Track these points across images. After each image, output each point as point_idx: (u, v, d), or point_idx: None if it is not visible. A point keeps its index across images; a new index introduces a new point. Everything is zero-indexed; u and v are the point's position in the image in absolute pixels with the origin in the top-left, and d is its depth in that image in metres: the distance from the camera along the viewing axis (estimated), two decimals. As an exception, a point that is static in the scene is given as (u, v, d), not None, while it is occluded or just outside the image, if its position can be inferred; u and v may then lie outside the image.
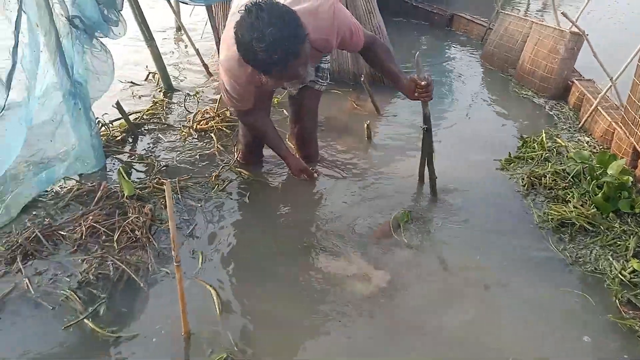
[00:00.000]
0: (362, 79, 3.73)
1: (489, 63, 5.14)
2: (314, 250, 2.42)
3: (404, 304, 2.14)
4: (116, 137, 3.21)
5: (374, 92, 3.85)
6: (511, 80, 4.74)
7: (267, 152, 3.13)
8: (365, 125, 3.42)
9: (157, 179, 2.72)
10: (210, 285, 2.15)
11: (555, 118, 3.98)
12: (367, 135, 3.46)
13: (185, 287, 1.88)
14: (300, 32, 1.98)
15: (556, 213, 2.71)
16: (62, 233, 2.31)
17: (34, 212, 2.48)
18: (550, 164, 3.19)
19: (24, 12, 2.29)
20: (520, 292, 2.21)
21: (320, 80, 2.84)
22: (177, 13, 4.83)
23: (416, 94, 2.50)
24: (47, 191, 2.65)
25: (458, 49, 5.69)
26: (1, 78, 2.08)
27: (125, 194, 2.49)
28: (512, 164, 3.25)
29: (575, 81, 4.18)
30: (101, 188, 2.50)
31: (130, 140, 3.26)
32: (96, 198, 2.48)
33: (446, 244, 2.51)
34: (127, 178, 2.53)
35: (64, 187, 2.69)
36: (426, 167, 2.85)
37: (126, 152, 3.12)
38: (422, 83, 2.44)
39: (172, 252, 1.84)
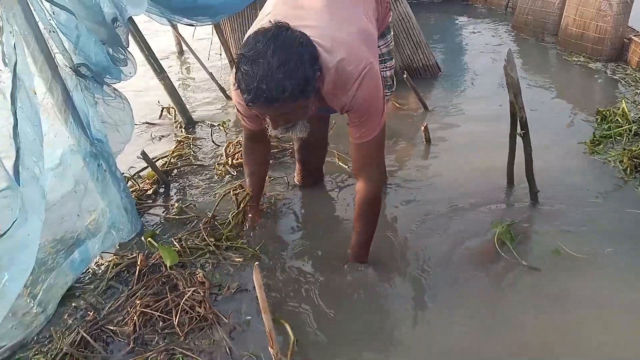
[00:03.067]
0: (405, 75, 3.30)
1: (522, 32, 4.69)
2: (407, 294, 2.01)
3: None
4: (146, 190, 2.79)
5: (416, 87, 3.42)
6: (554, 47, 4.29)
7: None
8: (423, 127, 2.99)
9: (199, 234, 2.33)
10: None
11: (622, 82, 3.53)
12: (425, 138, 3.03)
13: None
14: (296, 86, 1.58)
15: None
16: (111, 328, 1.90)
17: (73, 304, 2.07)
18: (645, 137, 2.76)
19: (18, 79, 1.87)
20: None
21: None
22: (182, 37, 4.42)
23: None
24: (83, 274, 2.25)
25: (481, 23, 5.22)
26: (7, 169, 1.63)
27: (168, 264, 2.08)
28: (599, 145, 2.82)
29: (634, 38, 3.73)
30: (138, 262, 2.09)
31: (162, 190, 2.85)
32: (136, 276, 2.08)
33: (574, 260, 2.08)
34: (157, 245, 2.11)
35: (101, 265, 2.29)
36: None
37: (159, 205, 2.71)
38: None
39: (270, 349, 1.44)
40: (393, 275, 2.13)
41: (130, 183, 2.82)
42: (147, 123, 3.62)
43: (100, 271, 2.25)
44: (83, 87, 2.36)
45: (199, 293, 1.98)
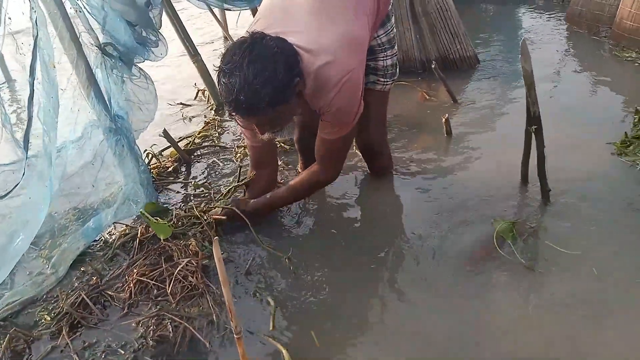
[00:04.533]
0: (433, 65, 3.23)
1: (575, 25, 4.45)
2: (404, 286, 2.00)
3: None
4: (168, 168, 2.92)
5: (447, 79, 3.34)
6: (606, 42, 4.05)
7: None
8: (444, 119, 2.93)
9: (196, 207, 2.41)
10: (285, 347, 1.77)
11: (674, 81, 3.30)
12: (445, 130, 2.97)
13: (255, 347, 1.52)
14: (272, 94, 1.64)
15: None
16: (110, 293, 2.03)
17: (82, 268, 2.22)
18: (682, 141, 2.57)
19: (39, 53, 2.01)
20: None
21: (382, 79, 2.34)
22: (222, 23, 4.53)
23: None
24: (95, 241, 2.40)
25: (536, 14, 5.00)
26: (17, 138, 1.77)
27: (162, 238, 2.18)
28: (630, 147, 2.65)
29: (693, 33, 3.46)
30: (138, 234, 2.20)
31: (184, 169, 2.97)
32: (136, 246, 2.19)
33: (576, 262, 2.00)
34: (153, 219, 2.20)
35: (114, 234, 2.42)
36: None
37: (179, 182, 2.83)
38: None
39: (231, 321, 1.49)
40: (386, 263, 2.13)
41: (154, 159, 2.96)
42: (181, 104, 3.75)
43: (111, 240, 2.39)
44: (108, 65, 2.50)
45: (193, 264, 2.06)
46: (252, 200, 2.28)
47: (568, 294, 1.88)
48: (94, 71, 2.42)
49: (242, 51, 1.64)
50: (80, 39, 2.35)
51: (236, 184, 2.41)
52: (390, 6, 2.18)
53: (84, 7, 2.37)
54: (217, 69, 1.73)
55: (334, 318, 1.90)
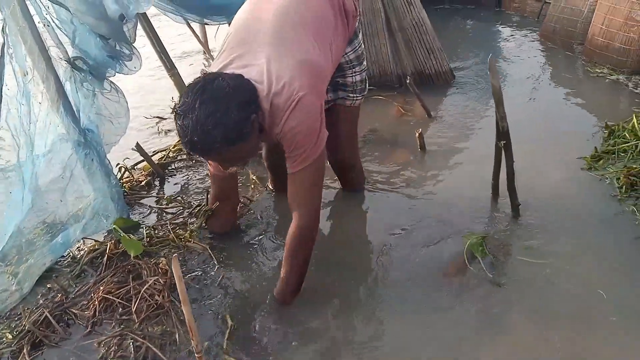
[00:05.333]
0: (408, 80, 3.26)
1: (549, 41, 4.53)
2: (373, 303, 2.00)
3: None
4: (141, 182, 2.89)
5: (422, 93, 3.37)
6: (579, 58, 4.12)
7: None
8: (417, 134, 2.95)
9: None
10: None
11: (644, 96, 3.36)
12: (419, 145, 2.98)
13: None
14: (226, 134, 1.64)
15: (671, 220, 2.16)
16: (74, 311, 1.99)
17: (48, 285, 2.18)
18: (650, 155, 2.61)
19: (9, 61, 2.00)
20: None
21: (352, 94, 2.33)
22: (200, 37, 4.54)
23: None
24: (63, 257, 2.36)
25: (512, 30, 5.07)
26: None
27: (132, 255, 2.15)
28: (600, 161, 2.70)
29: (661, 49, 3.54)
30: (107, 250, 2.18)
31: (157, 183, 2.94)
32: (104, 263, 2.16)
33: (538, 277, 2.02)
34: (125, 235, 2.18)
35: (83, 250, 2.39)
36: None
37: (152, 196, 2.80)
38: None
39: (192, 340, 1.47)
40: (356, 279, 2.12)
41: (126, 173, 2.94)
42: (158, 117, 3.74)
43: (79, 256, 2.35)
44: (78, 79, 2.48)
45: (160, 282, 2.03)
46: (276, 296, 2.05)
47: (536, 308, 1.89)
48: (63, 84, 2.40)
49: (195, 93, 1.65)
50: (49, 52, 2.33)
51: (201, 221, 2.40)
52: (357, 23, 2.19)
53: (53, 21, 2.35)
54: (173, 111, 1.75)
55: (303, 336, 1.89)
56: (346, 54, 2.20)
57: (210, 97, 1.64)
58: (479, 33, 5.13)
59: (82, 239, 2.41)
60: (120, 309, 1.99)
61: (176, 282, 1.37)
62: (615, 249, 2.12)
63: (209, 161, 2.14)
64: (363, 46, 2.25)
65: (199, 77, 1.74)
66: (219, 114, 1.63)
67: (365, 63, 2.28)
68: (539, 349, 1.74)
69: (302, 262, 1.97)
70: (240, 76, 1.74)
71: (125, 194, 2.74)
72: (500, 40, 4.86)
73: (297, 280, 2.00)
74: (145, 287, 2.01)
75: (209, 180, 2.81)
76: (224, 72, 1.79)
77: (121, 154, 2.96)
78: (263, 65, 1.78)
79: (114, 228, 2.20)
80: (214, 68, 1.90)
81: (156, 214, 2.65)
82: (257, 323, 1.95)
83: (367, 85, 2.37)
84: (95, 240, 2.39)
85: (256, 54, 1.81)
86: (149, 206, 2.71)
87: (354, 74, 2.26)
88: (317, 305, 2.00)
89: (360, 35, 2.24)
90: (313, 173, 1.87)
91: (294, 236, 1.92)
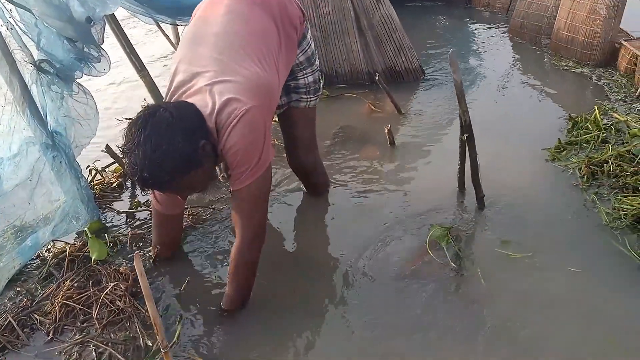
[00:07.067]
0: (377, 77, 3.30)
1: (518, 36, 4.61)
2: (331, 301, 2.03)
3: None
4: (112, 183, 2.89)
5: (393, 90, 3.42)
6: (546, 52, 4.21)
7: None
8: (386, 130, 3.00)
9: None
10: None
11: (606, 88, 3.46)
12: (389, 141, 3.03)
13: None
14: (175, 165, 1.61)
15: (629, 207, 2.23)
16: (37, 317, 1.98)
17: (17, 288, 2.17)
18: (610, 145, 2.70)
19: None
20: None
21: (305, 96, 2.26)
22: (171, 38, 4.53)
23: None
24: (33, 259, 2.36)
25: (481, 26, 5.15)
26: None
27: (93, 258, 2.14)
28: (564, 152, 2.77)
29: (623, 42, 3.64)
30: (67, 252, 2.17)
31: (129, 185, 2.94)
32: (65, 266, 2.15)
33: (501, 263, 2.07)
34: (93, 237, 2.16)
35: (52, 251, 2.38)
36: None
37: (121, 200, 2.80)
38: None
39: (157, 336, 1.49)
40: (324, 279, 2.15)
41: (98, 175, 2.93)
42: (129, 119, 3.72)
43: (48, 258, 2.34)
44: (44, 82, 2.47)
45: (121, 287, 2.03)
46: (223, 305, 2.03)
47: (501, 295, 1.94)
48: (29, 87, 2.39)
49: (138, 128, 1.61)
50: (13, 56, 2.32)
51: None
52: (306, 24, 2.15)
53: (16, 24, 2.34)
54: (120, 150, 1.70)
55: (268, 343, 1.89)
56: (296, 56, 2.15)
57: (153, 130, 1.60)
58: (450, 29, 5.20)
59: (52, 241, 2.41)
60: (82, 316, 1.98)
61: (139, 278, 1.38)
62: (577, 237, 2.19)
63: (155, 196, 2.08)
64: (313, 46, 2.22)
65: (140, 111, 1.68)
66: (165, 145, 1.59)
67: (317, 63, 2.25)
68: (500, 334, 1.79)
69: (243, 278, 1.97)
70: (184, 103, 1.71)
71: (95, 195, 2.73)
72: (470, 36, 4.93)
73: (243, 294, 1.99)
74: (105, 293, 2.00)
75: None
76: (164, 102, 1.77)
77: (99, 156, 2.96)
78: (209, 85, 1.73)
79: (84, 230, 2.19)
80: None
81: (124, 218, 2.64)
82: (228, 328, 1.96)
83: (321, 85, 2.33)
84: (66, 242, 2.39)
85: (200, 75, 1.76)
86: (118, 211, 2.71)
87: (305, 76, 2.22)
88: (283, 311, 2.01)
89: (309, 36, 2.19)
90: (255, 190, 1.81)
91: (234, 260, 1.91)
